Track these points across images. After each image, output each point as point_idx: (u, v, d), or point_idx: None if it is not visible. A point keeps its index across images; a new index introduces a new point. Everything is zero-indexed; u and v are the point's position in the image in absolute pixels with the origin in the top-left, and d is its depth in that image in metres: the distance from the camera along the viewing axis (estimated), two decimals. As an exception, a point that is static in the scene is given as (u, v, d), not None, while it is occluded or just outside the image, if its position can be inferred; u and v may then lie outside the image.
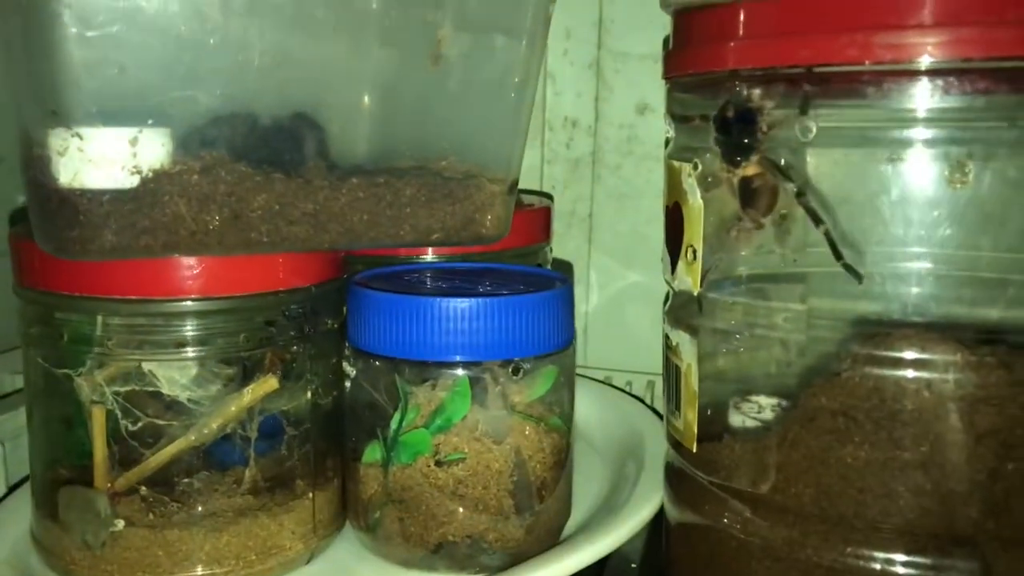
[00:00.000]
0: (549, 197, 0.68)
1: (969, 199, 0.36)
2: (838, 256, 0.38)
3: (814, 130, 0.37)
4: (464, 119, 0.43)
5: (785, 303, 0.41)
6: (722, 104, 0.40)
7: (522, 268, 0.51)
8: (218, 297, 0.41)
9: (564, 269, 0.69)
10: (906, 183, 0.37)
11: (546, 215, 0.58)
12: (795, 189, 0.38)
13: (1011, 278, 0.37)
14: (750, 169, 0.39)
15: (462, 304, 0.43)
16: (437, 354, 0.43)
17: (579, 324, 0.70)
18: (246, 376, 0.43)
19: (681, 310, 0.45)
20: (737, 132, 0.39)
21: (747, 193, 0.41)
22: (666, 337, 0.46)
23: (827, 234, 0.38)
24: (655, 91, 0.67)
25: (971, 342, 0.37)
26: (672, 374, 0.45)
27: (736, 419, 0.44)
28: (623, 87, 0.68)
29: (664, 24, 0.66)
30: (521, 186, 0.70)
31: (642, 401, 0.65)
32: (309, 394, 0.45)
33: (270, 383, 0.43)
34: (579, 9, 0.68)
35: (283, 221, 0.40)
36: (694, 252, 0.42)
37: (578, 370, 0.69)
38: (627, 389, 0.68)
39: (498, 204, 0.45)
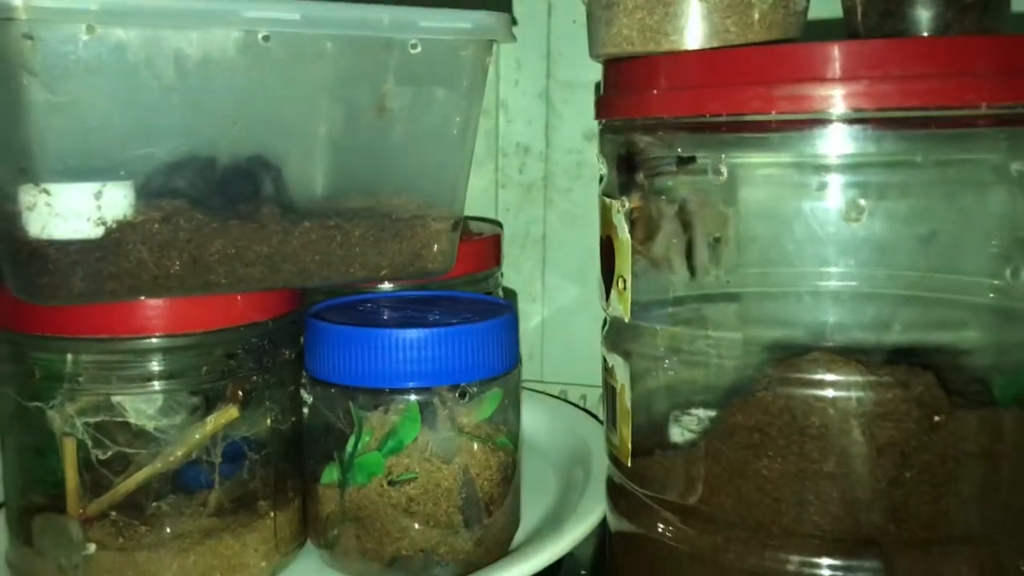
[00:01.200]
0: (499, 224, 0.71)
1: (864, 235, 0.40)
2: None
3: (725, 173, 0.41)
4: (409, 163, 0.46)
5: (717, 331, 0.45)
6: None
7: (469, 295, 0.54)
8: (181, 334, 0.44)
9: (509, 296, 0.72)
10: (809, 221, 0.40)
11: (496, 242, 0.61)
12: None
13: (904, 305, 0.41)
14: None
15: (412, 334, 0.46)
16: (389, 381, 0.46)
17: (534, 340, 0.73)
18: (209, 405, 0.46)
19: (615, 335, 0.48)
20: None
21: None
22: (604, 359, 0.49)
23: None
24: (601, 118, 0.70)
25: (873, 363, 0.40)
26: (608, 394, 0.49)
27: (676, 432, 0.47)
28: (571, 115, 0.71)
29: (608, 56, 0.69)
30: (476, 210, 0.74)
31: (593, 415, 0.68)
32: (269, 420, 0.48)
33: (231, 412, 0.46)
34: (529, 42, 0.71)
35: (239, 263, 0.43)
36: (624, 282, 0.46)
37: (535, 385, 0.73)
38: (582, 402, 0.72)
39: (443, 240, 0.48)
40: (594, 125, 0.71)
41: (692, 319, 0.46)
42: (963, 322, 0.42)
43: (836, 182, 0.40)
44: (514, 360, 0.50)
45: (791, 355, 0.42)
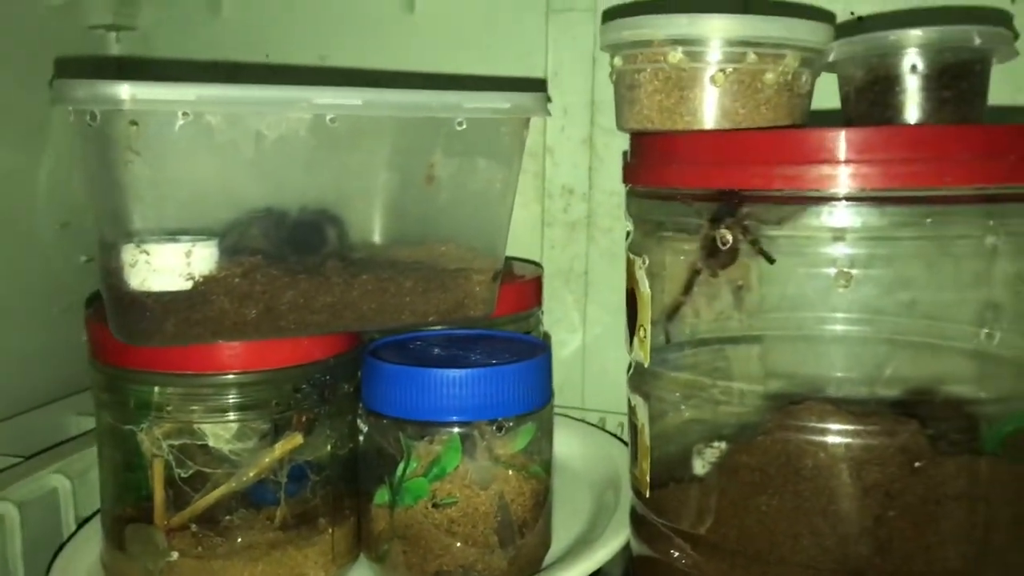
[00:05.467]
0: (539, 266, 0.76)
1: (852, 300, 0.44)
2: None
3: (730, 240, 0.46)
4: (454, 222, 0.53)
5: (723, 381, 0.50)
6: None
7: (509, 335, 0.60)
8: (254, 371, 0.51)
9: (546, 337, 0.77)
10: (809, 286, 0.46)
11: (536, 284, 0.67)
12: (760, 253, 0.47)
13: (887, 363, 0.46)
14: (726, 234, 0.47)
15: (455, 374, 0.51)
16: (435, 415, 0.52)
17: (575, 369, 0.78)
18: (277, 432, 0.52)
19: (638, 378, 0.53)
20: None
21: (713, 250, 0.49)
22: (628, 400, 0.55)
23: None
24: (641, 164, 0.75)
25: (864, 413, 0.45)
26: (632, 430, 0.54)
27: (698, 464, 0.53)
28: (613, 159, 0.76)
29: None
30: (523, 246, 0.79)
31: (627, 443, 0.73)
32: (329, 446, 0.54)
33: (296, 439, 0.52)
34: (575, 91, 0.76)
35: (307, 311, 0.50)
36: (644, 331, 0.51)
37: (576, 412, 0.78)
38: (619, 430, 0.76)
39: (483, 290, 0.54)
40: (634, 170, 0.77)
41: (703, 368, 0.51)
42: (950, 375, 0.47)
43: (826, 252, 0.45)
44: (547, 396, 0.55)
45: (789, 403, 0.47)
